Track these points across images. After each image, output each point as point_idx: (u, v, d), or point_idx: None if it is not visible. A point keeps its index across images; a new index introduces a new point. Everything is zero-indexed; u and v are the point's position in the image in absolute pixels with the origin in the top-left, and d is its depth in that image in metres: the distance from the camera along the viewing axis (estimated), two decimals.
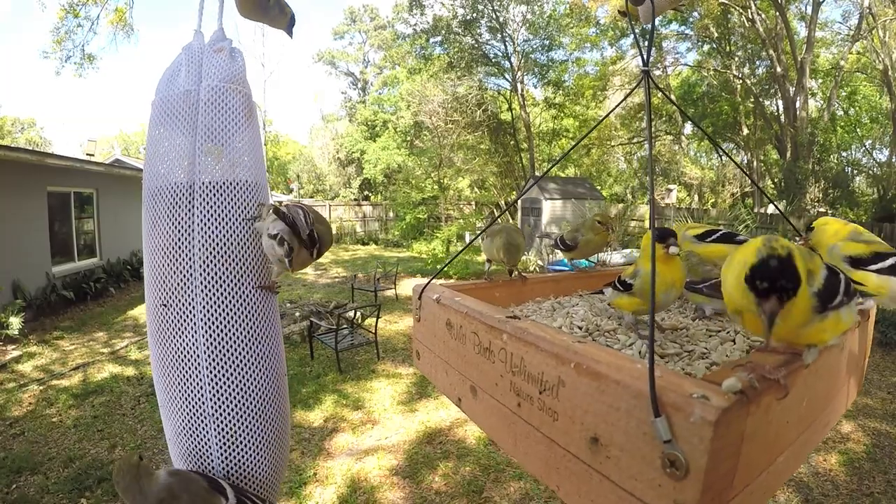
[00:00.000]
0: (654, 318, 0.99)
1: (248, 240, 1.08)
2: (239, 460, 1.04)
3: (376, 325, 5.86)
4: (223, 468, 1.03)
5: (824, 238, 0.98)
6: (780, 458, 0.61)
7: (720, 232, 1.12)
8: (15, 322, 6.59)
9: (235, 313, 1.05)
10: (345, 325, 6.03)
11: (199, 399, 1.03)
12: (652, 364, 0.52)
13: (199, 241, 1.04)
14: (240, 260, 1.07)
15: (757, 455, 0.55)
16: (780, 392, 0.55)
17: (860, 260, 0.89)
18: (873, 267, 0.87)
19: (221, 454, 1.03)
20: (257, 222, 1.10)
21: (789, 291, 0.53)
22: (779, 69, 13.89)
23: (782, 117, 14.72)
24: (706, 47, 17.67)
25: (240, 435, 1.04)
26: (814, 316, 0.57)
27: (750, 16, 14.02)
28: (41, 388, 5.07)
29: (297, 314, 7.15)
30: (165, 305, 1.04)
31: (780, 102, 15.17)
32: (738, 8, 14.49)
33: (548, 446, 0.66)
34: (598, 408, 0.58)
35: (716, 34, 16.30)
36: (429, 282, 1.08)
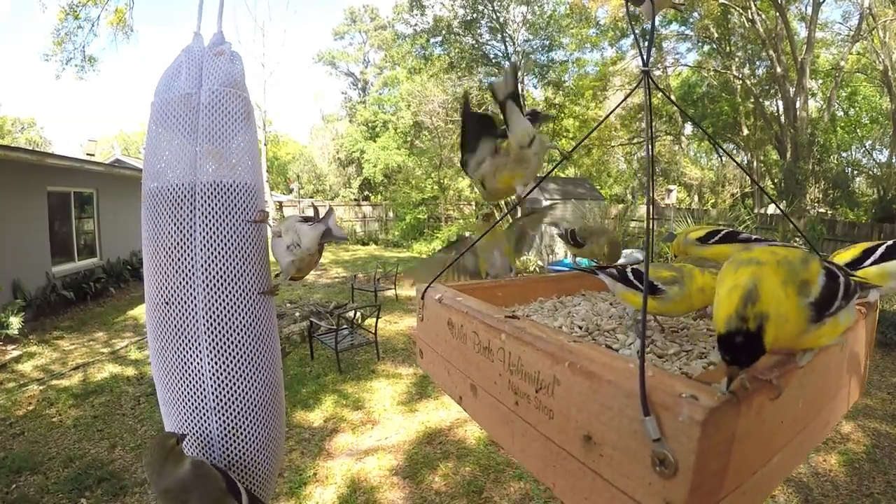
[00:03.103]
0: (658, 319, 0.99)
1: (248, 241, 1.10)
2: (239, 453, 1.07)
3: (376, 326, 5.86)
4: (224, 462, 1.05)
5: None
6: (774, 459, 0.61)
7: (723, 232, 1.13)
8: (15, 322, 6.59)
9: (236, 311, 1.07)
10: (345, 326, 6.04)
11: (202, 394, 1.05)
12: (643, 363, 0.53)
13: (200, 242, 1.05)
14: (240, 260, 1.09)
15: (749, 455, 0.55)
16: (772, 392, 0.55)
17: (852, 263, 0.94)
18: (867, 262, 0.93)
19: (223, 446, 1.05)
20: (276, 237, 1.14)
21: (749, 363, 0.52)
22: (779, 69, 13.89)
23: (782, 118, 14.72)
24: (706, 48, 17.69)
25: (241, 428, 1.06)
26: (809, 326, 0.56)
27: (750, 16, 14.02)
28: (41, 388, 5.07)
29: (297, 314, 7.15)
30: (168, 304, 1.05)
31: (780, 103, 15.18)
32: (738, 8, 14.50)
33: (544, 444, 0.67)
34: (592, 406, 0.58)
35: (716, 34, 16.31)
36: (431, 282, 1.09)
